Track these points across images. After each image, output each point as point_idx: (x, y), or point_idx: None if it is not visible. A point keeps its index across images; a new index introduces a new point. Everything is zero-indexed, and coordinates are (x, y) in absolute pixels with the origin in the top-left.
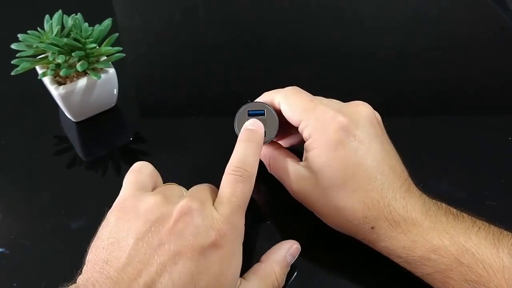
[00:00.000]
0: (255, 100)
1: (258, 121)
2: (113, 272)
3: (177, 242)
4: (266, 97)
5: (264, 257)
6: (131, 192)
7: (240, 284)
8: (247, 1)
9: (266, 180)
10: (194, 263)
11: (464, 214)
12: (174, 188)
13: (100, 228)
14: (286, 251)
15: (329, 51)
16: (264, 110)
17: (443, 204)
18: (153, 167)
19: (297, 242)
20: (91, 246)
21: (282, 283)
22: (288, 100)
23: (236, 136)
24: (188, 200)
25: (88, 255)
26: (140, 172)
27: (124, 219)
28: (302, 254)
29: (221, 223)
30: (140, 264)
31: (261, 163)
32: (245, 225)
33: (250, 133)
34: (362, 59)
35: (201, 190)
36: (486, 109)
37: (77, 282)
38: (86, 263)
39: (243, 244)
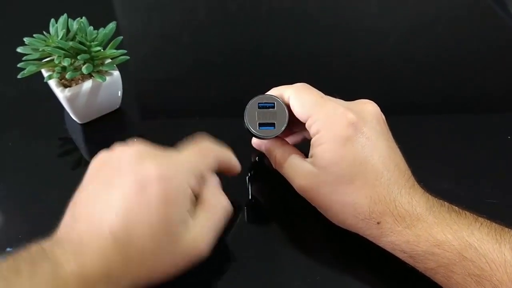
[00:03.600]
0: (266, 93)
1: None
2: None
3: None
4: (275, 92)
5: None
6: None
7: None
8: (248, 3)
9: (270, 176)
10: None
11: (466, 211)
12: None
13: None
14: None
15: (329, 52)
16: (274, 103)
17: (446, 202)
18: None
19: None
20: None
21: None
22: (299, 95)
23: (245, 129)
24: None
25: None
26: None
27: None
28: (305, 251)
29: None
30: None
31: (266, 159)
32: (248, 223)
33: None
34: (362, 61)
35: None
36: (486, 109)
37: None
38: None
39: (245, 245)
